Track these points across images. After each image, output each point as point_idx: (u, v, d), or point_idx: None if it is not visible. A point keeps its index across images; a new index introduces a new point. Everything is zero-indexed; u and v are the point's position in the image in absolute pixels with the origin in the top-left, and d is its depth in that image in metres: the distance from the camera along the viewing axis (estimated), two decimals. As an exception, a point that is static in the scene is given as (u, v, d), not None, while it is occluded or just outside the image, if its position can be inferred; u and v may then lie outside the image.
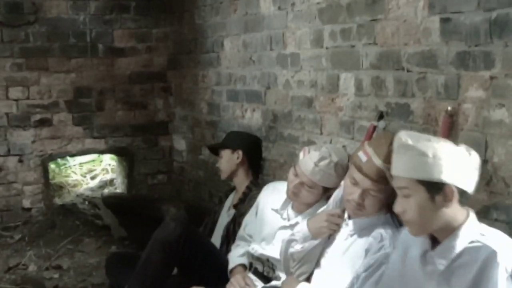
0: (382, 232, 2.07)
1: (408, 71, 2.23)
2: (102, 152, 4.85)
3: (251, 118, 3.49)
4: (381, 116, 2.36)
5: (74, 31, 4.36)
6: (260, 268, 2.66)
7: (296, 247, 2.28)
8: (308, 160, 2.47)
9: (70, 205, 4.74)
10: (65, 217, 4.51)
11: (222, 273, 2.76)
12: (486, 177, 1.89)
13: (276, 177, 3.12)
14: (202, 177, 4.24)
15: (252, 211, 2.87)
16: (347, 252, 2.15)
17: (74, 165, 5.46)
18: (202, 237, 2.97)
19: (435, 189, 1.62)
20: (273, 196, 2.73)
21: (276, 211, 2.65)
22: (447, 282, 1.64)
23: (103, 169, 5.45)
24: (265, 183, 3.04)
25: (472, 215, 1.68)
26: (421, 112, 2.18)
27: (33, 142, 4.33)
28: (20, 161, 4.31)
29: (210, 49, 3.98)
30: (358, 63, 2.51)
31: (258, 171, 3.30)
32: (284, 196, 2.60)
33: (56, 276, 3.65)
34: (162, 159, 4.73)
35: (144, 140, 4.65)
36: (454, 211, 1.65)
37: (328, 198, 2.41)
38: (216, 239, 3.14)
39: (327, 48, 2.73)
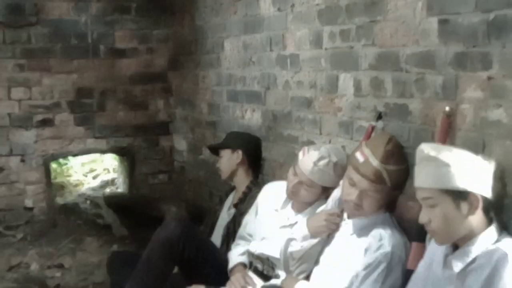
0: (381, 231, 2.09)
1: (406, 71, 2.24)
2: (103, 152, 4.84)
3: (251, 119, 3.50)
4: (379, 117, 2.37)
5: (75, 32, 4.36)
6: (260, 266, 2.68)
7: (296, 246, 2.30)
8: (308, 159, 2.48)
9: (72, 205, 4.75)
10: (66, 216, 4.52)
11: (222, 271, 2.77)
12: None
13: (276, 177, 3.11)
14: (202, 177, 4.25)
15: (252, 210, 2.89)
16: (347, 251, 2.16)
17: (76, 165, 5.47)
18: (202, 236, 2.98)
19: (461, 197, 1.66)
20: (273, 196, 2.74)
21: (276, 210, 2.67)
22: (461, 283, 1.67)
23: (104, 169, 5.46)
24: (265, 183, 3.05)
25: (494, 223, 1.71)
26: (419, 113, 2.18)
27: (35, 142, 4.33)
28: (22, 161, 4.31)
29: (210, 50, 3.99)
30: (357, 64, 2.52)
31: (258, 171, 3.31)
32: (283, 195, 2.61)
33: (58, 274, 3.66)
34: (163, 159, 4.73)
35: (145, 140, 4.66)
36: (478, 218, 1.68)
37: (327, 197, 2.43)
38: (216, 238, 3.16)
39: (326, 49, 2.74)
